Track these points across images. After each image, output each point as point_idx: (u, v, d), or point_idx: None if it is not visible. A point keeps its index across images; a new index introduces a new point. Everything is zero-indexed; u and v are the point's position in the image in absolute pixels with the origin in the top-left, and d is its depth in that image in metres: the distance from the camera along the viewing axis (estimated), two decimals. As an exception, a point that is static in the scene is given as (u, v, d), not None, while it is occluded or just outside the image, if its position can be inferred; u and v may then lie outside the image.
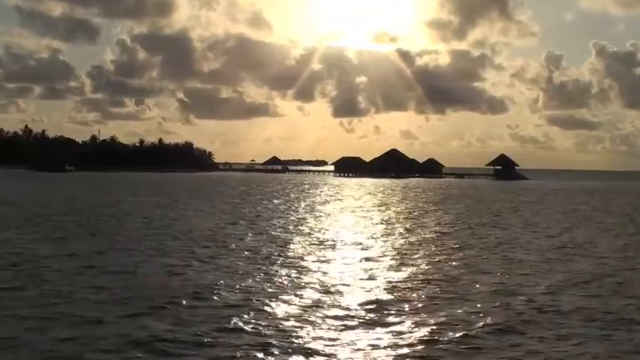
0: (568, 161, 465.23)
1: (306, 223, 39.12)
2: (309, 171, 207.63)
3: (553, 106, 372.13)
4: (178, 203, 54.70)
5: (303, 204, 57.70)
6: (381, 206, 56.53)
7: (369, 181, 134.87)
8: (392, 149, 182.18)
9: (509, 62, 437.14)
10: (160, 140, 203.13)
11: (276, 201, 62.05)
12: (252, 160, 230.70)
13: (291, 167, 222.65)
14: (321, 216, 44.62)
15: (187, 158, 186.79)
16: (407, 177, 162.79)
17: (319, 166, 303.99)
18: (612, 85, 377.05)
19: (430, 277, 20.68)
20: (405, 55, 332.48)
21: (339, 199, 66.46)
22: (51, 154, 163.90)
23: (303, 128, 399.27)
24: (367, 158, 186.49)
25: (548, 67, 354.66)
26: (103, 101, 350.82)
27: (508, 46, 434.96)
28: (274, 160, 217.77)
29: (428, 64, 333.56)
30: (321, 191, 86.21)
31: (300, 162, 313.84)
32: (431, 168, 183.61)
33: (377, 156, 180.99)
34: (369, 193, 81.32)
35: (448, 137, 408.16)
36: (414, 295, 17.91)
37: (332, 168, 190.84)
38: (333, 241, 30.28)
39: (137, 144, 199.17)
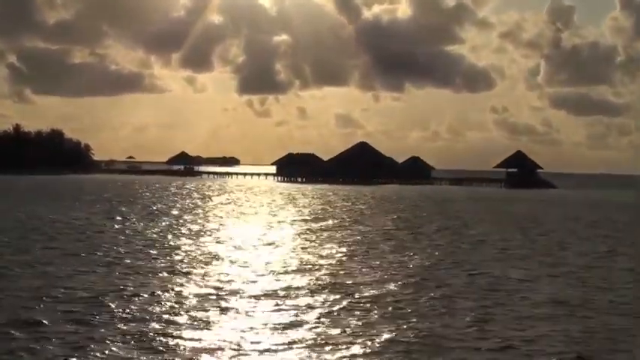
0: (577, 160, 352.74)
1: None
2: (232, 174, 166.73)
3: (559, 81, 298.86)
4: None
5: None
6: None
7: (327, 189, 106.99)
8: (360, 143, 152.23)
9: (497, 16, 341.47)
10: (17, 127, 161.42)
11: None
12: (131, 157, 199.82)
13: (198, 167, 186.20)
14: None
15: (55, 154, 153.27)
16: (381, 182, 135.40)
17: (229, 165, 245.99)
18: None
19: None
20: (345, 5, 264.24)
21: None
22: None
23: (195, 110, 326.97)
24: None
25: (554, 24, 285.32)
26: None
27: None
28: (183, 158, 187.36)
29: (380, 18, 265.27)
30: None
31: (199, 160, 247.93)
32: (415, 170, 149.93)
33: (339, 153, 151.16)
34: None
35: (406, 125, 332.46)
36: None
37: (272, 169, 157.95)
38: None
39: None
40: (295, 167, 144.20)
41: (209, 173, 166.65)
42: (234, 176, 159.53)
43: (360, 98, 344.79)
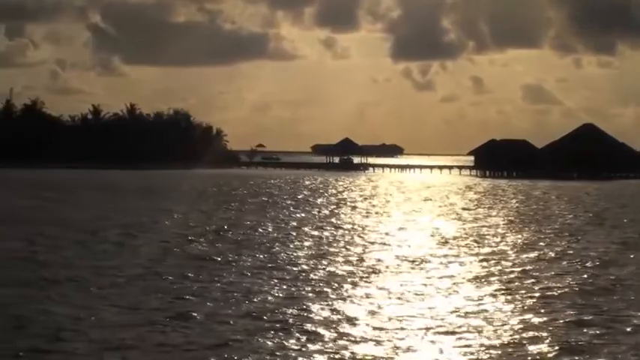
0: None
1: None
2: (411, 167, 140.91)
3: None
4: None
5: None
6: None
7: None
8: (585, 125, 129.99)
9: None
10: (132, 108, 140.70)
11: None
12: (260, 145, 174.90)
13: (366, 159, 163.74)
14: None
15: (182, 142, 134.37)
16: (619, 177, 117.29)
17: (390, 155, 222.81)
18: None
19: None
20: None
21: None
22: None
23: (335, 82, 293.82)
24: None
25: None
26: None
27: None
28: (344, 146, 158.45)
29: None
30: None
31: (354, 148, 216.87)
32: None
33: (556, 139, 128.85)
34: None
35: (617, 99, 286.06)
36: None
37: (468, 160, 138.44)
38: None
39: (89, 116, 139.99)
40: (500, 158, 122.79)
41: (382, 166, 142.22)
42: (414, 170, 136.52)
43: (556, 64, 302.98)
